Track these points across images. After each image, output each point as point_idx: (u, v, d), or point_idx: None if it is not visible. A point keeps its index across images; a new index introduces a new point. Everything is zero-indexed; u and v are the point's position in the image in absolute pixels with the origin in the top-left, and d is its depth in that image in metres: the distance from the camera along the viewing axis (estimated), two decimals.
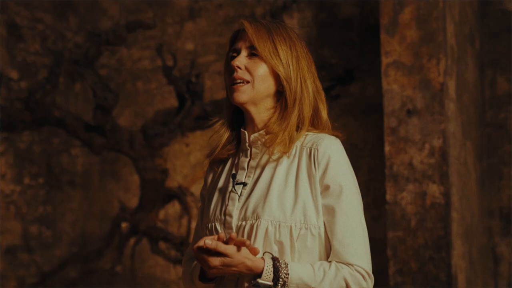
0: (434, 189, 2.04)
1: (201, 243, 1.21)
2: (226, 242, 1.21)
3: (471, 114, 2.54)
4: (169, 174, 3.10)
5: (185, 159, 3.07)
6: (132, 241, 3.14)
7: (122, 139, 3.13)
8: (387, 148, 2.11)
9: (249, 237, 1.26)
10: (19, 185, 3.25)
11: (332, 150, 1.29)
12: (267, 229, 1.24)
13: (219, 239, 1.21)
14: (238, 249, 1.21)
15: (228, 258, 1.20)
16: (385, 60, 2.15)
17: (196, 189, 3.00)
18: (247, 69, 1.31)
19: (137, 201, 3.14)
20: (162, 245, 3.11)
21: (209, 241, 1.20)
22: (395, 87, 2.12)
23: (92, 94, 3.23)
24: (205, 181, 1.43)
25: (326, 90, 2.94)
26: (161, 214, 3.11)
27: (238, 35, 1.35)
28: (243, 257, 1.21)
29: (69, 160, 3.33)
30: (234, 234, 1.21)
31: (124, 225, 3.12)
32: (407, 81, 2.10)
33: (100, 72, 3.27)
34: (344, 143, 3.22)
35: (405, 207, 2.07)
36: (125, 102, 3.22)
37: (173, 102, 3.14)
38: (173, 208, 3.12)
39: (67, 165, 3.33)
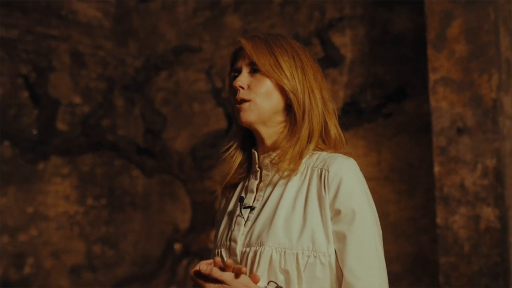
0: (488, 213, 1.91)
1: (196, 267, 1.15)
2: (223, 269, 1.13)
3: None
4: (218, 196, 3.11)
5: None
6: (185, 262, 3.16)
7: (172, 162, 3.18)
8: (436, 168, 2.00)
9: (252, 265, 1.17)
10: (82, 206, 3.36)
11: (344, 171, 1.18)
12: (271, 257, 1.16)
13: (215, 264, 1.14)
14: (237, 276, 1.12)
15: (225, 285, 1.12)
16: (432, 77, 2.05)
17: None
18: (250, 87, 1.24)
19: (189, 222, 3.17)
20: None
21: (204, 266, 1.13)
22: (444, 105, 2.01)
23: (145, 117, 3.31)
24: (219, 207, 1.38)
25: (378, 107, 2.88)
26: (212, 235, 3.12)
27: (237, 54, 1.28)
28: (242, 284, 1.12)
29: (129, 181, 3.40)
30: (230, 261, 1.13)
31: (177, 246, 3.15)
32: (457, 98, 1.99)
33: (157, 95, 3.34)
34: (400, 162, 3.09)
35: (457, 231, 1.94)
36: (182, 124, 3.27)
37: (224, 123, 3.16)
38: None
39: (128, 187, 3.41)
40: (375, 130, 2.88)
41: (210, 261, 1.16)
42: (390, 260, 2.94)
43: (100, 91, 3.41)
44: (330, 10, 2.97)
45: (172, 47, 3.34)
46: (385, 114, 2.82)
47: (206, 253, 3.12)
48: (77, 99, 3.39)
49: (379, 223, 1.20)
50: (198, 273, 1.15)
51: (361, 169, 1.23)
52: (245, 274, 1.14)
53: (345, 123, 3.19)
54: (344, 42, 2.97)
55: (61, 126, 3.33)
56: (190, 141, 3.23)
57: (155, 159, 3.26)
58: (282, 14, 3.07)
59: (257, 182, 1.26)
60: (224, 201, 1.35)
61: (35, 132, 3.17)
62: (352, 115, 2.92)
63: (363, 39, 2.92)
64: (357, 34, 2.92)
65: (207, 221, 3.13)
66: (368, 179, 3.38)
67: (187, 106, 3.28)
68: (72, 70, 3.41)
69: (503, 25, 2.04)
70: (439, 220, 2.00)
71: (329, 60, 2.94)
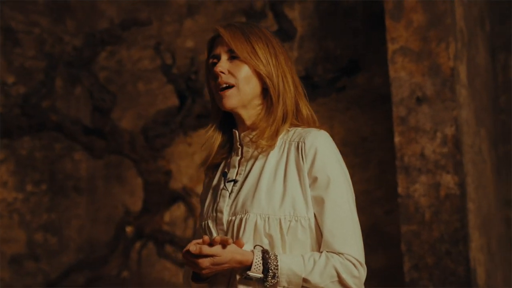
0: (448, 180, 1.95)
1: (187, 248, 1.23)
2: (211, 244, 1.23)
3: (484, 100, 2.43)
4: (172, 176, 3.03)
5: (189, 159, 2.99)
6: (137, 245, 3.08)
7: (123, 141, 3.06)
8: (397, 138, 2.02)
9: (238, 231, 1.28)
10: (21, 192, 3.20)
11: (318, 142, 1.31)
12: (256, 223, 1.26)
13: (204, 242, 1.23)
14: (224, 247, 1.22)
15: (216, 257, 1.22)
16: (391, 47, 2.06)
17: (201, 189, 2.94)
18: (230, 72, 1.33)
19: (141, 204, 3.08)
20: (169, 248, 3.04)
21: (193, 247, 1.22)
22: (403, 75, 2.03)
23: (90, 96, 3.17)
24: (203, 186, 1.47)
25: (332, 82, 2.88)
26: (166, 216, 3.04)
27: (214, 41, 1.38)
28: (231, 252, 1.22)
29: (72, 165, 3.26)
30: (218, 237, 1.23)
31: (129, 229, 3.05)
32: (416, 67, 2.00)
33: (99, 74, 3.20)
34: (353, 136, 3.11)
35: (418, 200, 1.97)
36: (127, 104, 3.15)
37: (174, 101, 3.07)
38: (178, 210, 3.04)
39: (71, 171, 3.27)
40: (328, 105, 2.88)
41: (199, 240, 1.24)
42: None
43: (39, 69, 3.23)
44: None
45: (113, 24, 3.19)
46: (339, 87, 2.82)
47: (161, 235, 3.04)
48: (11, 79, 3.20)
49: (351, 186, 1.33)
50: (190, 253, 1.23)
51: None
52: (231, 243, 1.24)
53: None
54: (293, 16, 2.94)
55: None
56: (138, 122, 3.12)
57: (105, 139, 3.13)
58: None
59: (238, 158, 1.37)
60: (207, 180, 1.45)
61: None
62: (306, 89, 2.91)
63: (313, 13, 2.90)
64: (307, 8, 2.89)
65: (161, 201, 3.05)
66: None
67: (131, 86, 3.16)
68: (5, 48, 3.21)
69: None
70: (400, 190, 2.02)
71: (283, 34, 2.90)
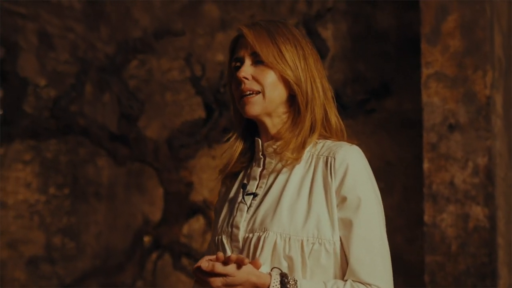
0: (478, 211, 1.89)
1: (198, 264, 1.12)
2: (226, 263, 1.11)
3: None
4: (194, 188, 3.01)
5: (211, 172, 2.98)
6: (154, 255, 3.06)
7: (146, 150, 3.06)
8: (426, 165, 1.97)
9: (255, 250, 1.16)
10: (44, 195, 3.23)
11: (350, 158, 1.18)
12: (275, 243, 1.15)
13: (217, 259, 1.11)
14: (239, 267, 1.10)
15: (230, 278, 1.10)
16: (425, 71, 2.02)
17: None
18: (254, 78, 1.22)
19: (160, 214, 3.07)
20: (185, 261, 3.01)
21: (205, 264, 1.11)
22: (436, 100, 1.98)
23: (118, 103, 3.19)
24: (219, 194, 1.35)
25: (360, 104, 2.85)
26: (185, 228, 3.02)
27: (238, 42, 1.25)
28: (247, 273, 1.10)
29: (94, 171, 3.28)
30: (233, 256, 1.11)
31: (146, 239, 3.04)
32: (450, 93, 1.96)
33: (128, 82, 3.23)
34: (378, 160, 3.07)
35: (445, 230, 1.92)
36: (153, 114, 3.16)
37: (200, 113, 3.07)
38: (197, 223, 3.02)
39: (93, 176, 3.29)
40: (354, 127, 2.85)
41: (212, 257, 1.13)
42: None
43: (71, 74, 3.27)
44: (315, 3, 2.93)
45: (146, 34, 3.23)
46: (367, 110, 2.80)
47: (178, 247, 3.02)
48: (43, 82, 3.25)
49: (383, 209, 1.21)
50: (201, 270, 1.12)
51: None
52: (248, 264, 1.12)
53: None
54: (326, 36, 2.94)
55: (27, 108, 3.19)
56: (163, 131, 3.13)
57: (129, 146, 3.14)
58: (263, 5, 3.01)
59: (260, 169, 1.26)
60: (224, 190, 1.33)
61: (1, 112, 3.03)
62: None
63: (346, 34, 2.89)
64: (340, 29, 2.89)
65: (181, 212, 3.03)
66: None
67: (159, 96, 3.17)
68: (39, 51, 3.27)
69: (497, 22, 2.03)
70: (426, 218, 1.96)
71: None
